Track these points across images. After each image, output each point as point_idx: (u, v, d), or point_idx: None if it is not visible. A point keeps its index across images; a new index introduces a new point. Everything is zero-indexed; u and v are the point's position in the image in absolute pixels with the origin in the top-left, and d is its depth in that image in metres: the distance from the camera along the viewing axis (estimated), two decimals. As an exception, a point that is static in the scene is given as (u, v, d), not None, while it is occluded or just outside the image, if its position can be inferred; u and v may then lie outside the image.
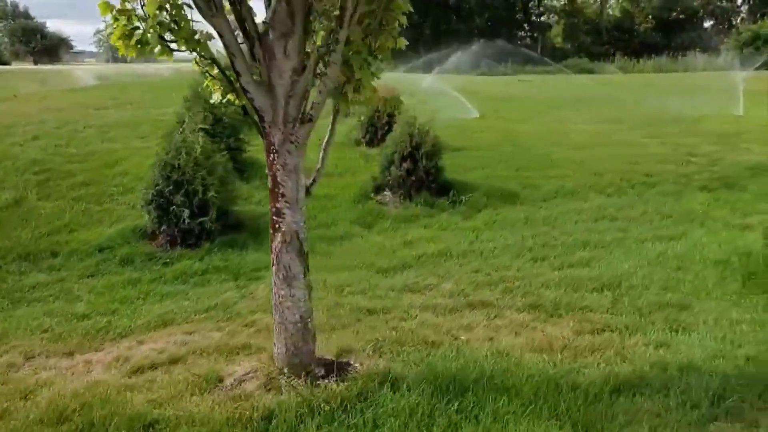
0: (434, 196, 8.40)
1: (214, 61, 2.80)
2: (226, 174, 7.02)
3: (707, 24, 65.08)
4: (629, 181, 9.36)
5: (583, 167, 9.96)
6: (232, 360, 3.64)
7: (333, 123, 3.46)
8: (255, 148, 10.63)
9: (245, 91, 2.76)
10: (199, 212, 6.58)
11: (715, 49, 52.96)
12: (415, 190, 8.38)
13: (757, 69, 29.43)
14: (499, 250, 6.53)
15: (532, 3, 61.38)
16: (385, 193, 8.51)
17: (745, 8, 64.21)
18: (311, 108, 2.93)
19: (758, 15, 56.98)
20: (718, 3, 62.21)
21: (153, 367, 3.66)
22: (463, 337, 4.17)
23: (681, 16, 62.61)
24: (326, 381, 3.04)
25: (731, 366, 3.45)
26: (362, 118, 10.70)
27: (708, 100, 18.47)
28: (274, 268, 3.14)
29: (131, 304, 5.26)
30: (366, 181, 8.85)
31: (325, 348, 3.77)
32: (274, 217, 3.06)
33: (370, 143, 10.87)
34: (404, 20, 3.12)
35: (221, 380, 3.27)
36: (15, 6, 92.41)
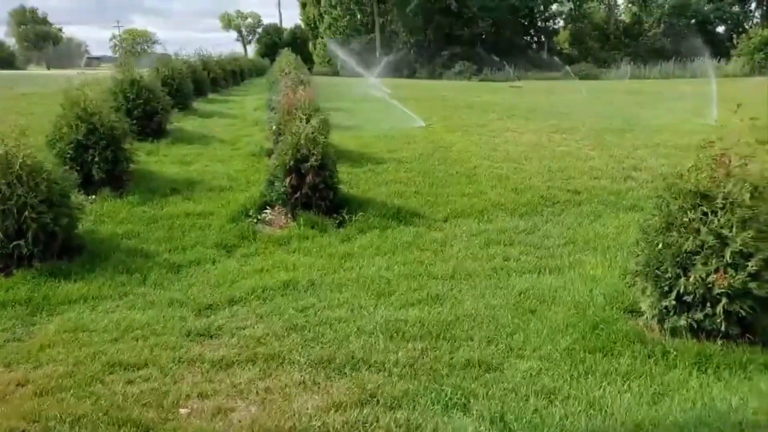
0: (323, 214, 7.59)
1: None
2: (63, 190, 6.28)
3: (720, 29, 63.32)
4: (551, 199, 8.48)
5: (506, 182, 9.09)
6: None
7: None
8: (152, 159, 9.98)
9: None
10: (18, 235, 5.86)
11: (726, 54, 51.54)
12: (301, 207, 7.59)
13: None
14: (352, 282, 5.71)
15: (537, 8, 60.23)
16: (265, 211, 7.74)
17: (758, 13, 62.44)
18: None
19: (770, 20, 55.27)
20: (730, 8, 60.50)
21: None
22: (184, 411, 3.37)
23: (692, 21, 61.06)
24: None
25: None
26: (273, 127, 9.93)
27: (687, 107, 17.51)
28: None
29: None
30: (254, 196, 8.09)
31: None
32: None
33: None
34: None
35: None
36: (33, 12, 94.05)
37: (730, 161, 4.10)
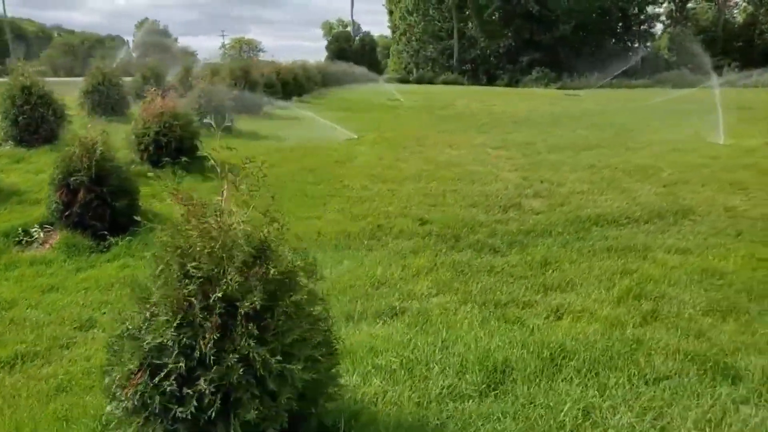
0: (93, 236, 6.70)
1: None
2: None
3: None
4: (387, 228, 7.02)
5: (359, 206, 7.72)
6: None
7: None
8: (14, 167, 9.60)
9: None
10: None
11: None
12: (72, 227, 6.74)
13: None
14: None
15: (631, 10, 55.76)
16: (33, 229, 6.96)
17: None
18: None
19: None
20: None
21: None
22: None
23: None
24: None
25: None
26: (132, 137, 9.20)
27: (710, 122, 14.88)
28: None
29: None
30: (44, 212, 7.35)
31: None
32: None
33: (156, 164, 9.34)
34: None
35: None
36: (155, 24, 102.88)
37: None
